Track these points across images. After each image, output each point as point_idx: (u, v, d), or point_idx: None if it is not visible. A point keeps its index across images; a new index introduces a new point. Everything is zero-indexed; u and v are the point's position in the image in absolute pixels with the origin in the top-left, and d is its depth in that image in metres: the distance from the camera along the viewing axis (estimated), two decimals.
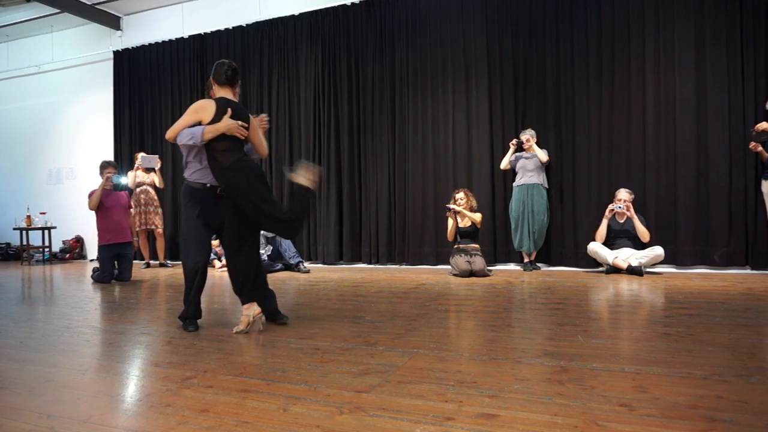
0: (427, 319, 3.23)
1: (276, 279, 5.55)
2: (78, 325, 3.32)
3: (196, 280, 3.06)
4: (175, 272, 6.57)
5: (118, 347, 2.75)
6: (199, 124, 2.92)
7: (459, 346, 2.59)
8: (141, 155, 7.09)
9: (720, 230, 5.32)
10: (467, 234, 5.59)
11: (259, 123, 3.24)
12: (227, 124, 2.89)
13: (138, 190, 7.04)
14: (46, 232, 8.43)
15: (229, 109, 2.92)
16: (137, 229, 7.00)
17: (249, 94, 7.58)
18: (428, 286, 4.78)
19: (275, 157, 7.36)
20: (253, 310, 2.94)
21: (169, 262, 7.53)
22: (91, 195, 5.63)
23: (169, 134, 3.04)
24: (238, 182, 2.89)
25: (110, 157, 8.31)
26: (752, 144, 4.99)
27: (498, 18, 6.23)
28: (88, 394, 2.01)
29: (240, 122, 2.92)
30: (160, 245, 7.26)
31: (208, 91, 3.28)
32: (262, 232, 6.48)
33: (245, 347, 2.65)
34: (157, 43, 8.29)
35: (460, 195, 5.62)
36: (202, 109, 2.93)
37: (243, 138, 2.98)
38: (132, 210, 6.65)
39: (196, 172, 3.06)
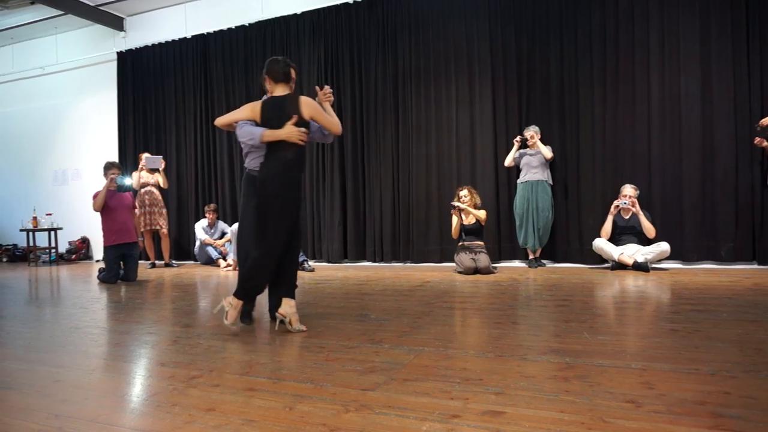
0: (432, 316, 3.23)
1: None
2: (85, 325, 3.34)
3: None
4: (180, 272, 6.59)
5: (125, 347, 2.76)
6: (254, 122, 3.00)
7: (464, 344, 2.59)
8: (145, 156, 7.11)
9: (726, 225, 5.29)
10: (472, 231, 5.58)
11: (323, 97, 3.11)
12: (288, 132, 2.87)
13: (142, 190, 7.06)
14: (53, 233, 8.48)
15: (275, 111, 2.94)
16: (142, 229, 7.02)
17: (252, 93, 7.59)
18: (433, 283, 4.77)
19: None
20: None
21: (174, 262, 7.56)
22: (95, 196, 5.65)
23: (219, 122, 3.07)
24: (266, 189, 2.88)
25: (115, 158, 8.35)
26: (757, 139, 4.97)
27: (501, 14, 6.21)
28: (95, 393, 2.02)
29: (302, 129, 2.90)
30: (165, 245, 7.29)
31: (263, 85, 3.24)
32: None
33: (251, 346, 2.66)
34: (160, 43, 8.31)
35: (464, 192, 5.61)
36: (254, 110, 2.97)
37: (303, 142, 2.95)
38: (137, 210, 6.67)
39: (255, 159, 3.11)
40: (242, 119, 2.99)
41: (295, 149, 2.89)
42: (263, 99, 3.04)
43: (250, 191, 3.10)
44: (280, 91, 2.99)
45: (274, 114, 2.91)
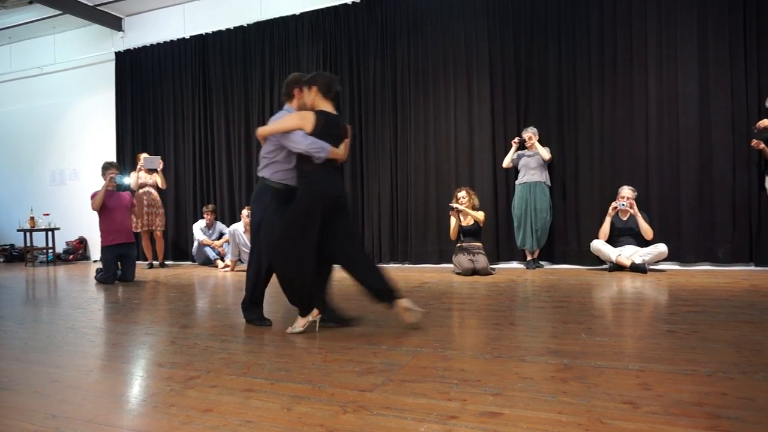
0: (430, 317, 3.23)
1: None
2: (82, 325, 3.33)
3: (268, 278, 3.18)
4: (178, 273, 6.58)
5: (122, 348, 2.75)
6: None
7: (462, 345, 2.59)
8: (143, 156, 7.09)
9: (724, 227, 5.30)
10: (470, 232, 5.59)
11: None
12: (345, 154, 3.03)
13: (141, 191, 7.04)
14: (50, 233, 8.46)
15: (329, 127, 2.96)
16: (140, 230, 7.00)
17: (251, 93, 7.59)
18: (431, 284, 4.77)
19: None
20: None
21: (165, 262, 7.46)
22: (93, 196, 5.64)
23: (265, 131, 3.01)
24: (306, 195, 2.91)
25: (113, 158, 8.33)
26: (754, 141, 4.99)
27: (500, 15, 6.21)
28: (92, 394, 2.02)
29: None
30: (160, 246, 7.26)
31: (289, 90, 3.17)
32: None
33: (249, 347, 2.66)
34: (158, 43, 8.30)
35: (462, 193, 5.62)
36: (306, 119, 2.89)
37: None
38: (135, 209, 6.65)
39: (279, 172, 3.07)
40: (293, 128, 2.89)
41: (317, 169, 2.93)
42: (315, 111, 2.93)
43: (275, 202, 3.04)
44: (328, 107, 2.97)
45: (332, 131, 2.93)
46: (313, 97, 2.97)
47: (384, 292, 2.94)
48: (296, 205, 2.91)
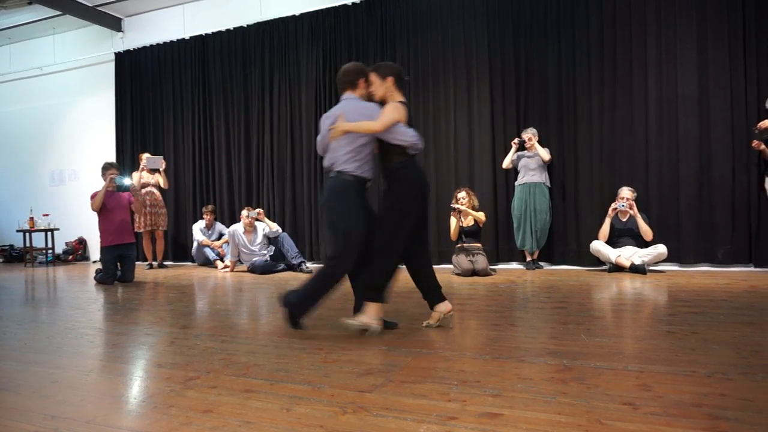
0: (429, 318, 3.23)
1: (279, 279, 5.56)
2: (81, 326, 3.33)
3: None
4: (177, 273, 6.58)
5: (122, 348, 2.75)
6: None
7: (462, 346, 2.59)
8: (146, 156, 7.07)
9: (723, 228, 5.31)
10: (470, 233, 5.59)
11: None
12: None
13: (143, 191, 7.03)
14: (49, 233, 8.46)
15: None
16: (142, 229, 7.00)
17: (251, 94, 7.59)
18: None
19: (276, 157, 7.37)
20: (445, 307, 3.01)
21: (164, 263, 7.46)
22: (93, 196, 5.63)
23: (376, 126, 2.93)
24: (409, 185, 2.93)
25: (112, 159, 8.32)
26: (755, 142, 4.99)
27: (499, 17, 6.22)
28: (92, 395, 2.02)
29: None
30: (160, 247, 7.25)
31: (353, 79, 3.10)
32: (263, 232, 6.50)
33: (248, 348, 2.65)
34: (158, 44, 8.30)
35: (462, 194, 5.62)
36: (400, 110, 2.94)
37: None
38: (133, 204, 6.61)
39: (362, 165, 3.01)
40: (397, 121, 2.92)
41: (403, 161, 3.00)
42: (402, 102, 2.99)
43: (360, 196, 3.00)
44: (401, 98, 3.03)
45: (412, 122, 3.02)
46: (387, 87, 3.01)
47: (433, 297, 3.08)
48: (402, 196, 2.90)
